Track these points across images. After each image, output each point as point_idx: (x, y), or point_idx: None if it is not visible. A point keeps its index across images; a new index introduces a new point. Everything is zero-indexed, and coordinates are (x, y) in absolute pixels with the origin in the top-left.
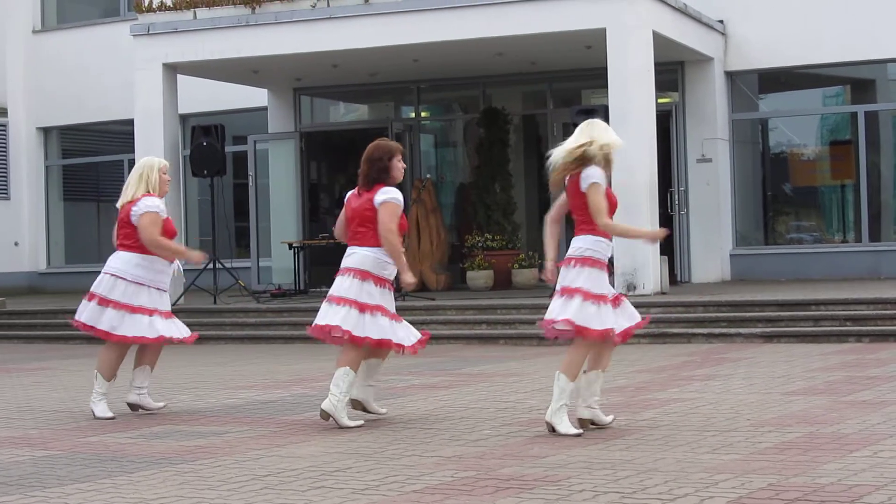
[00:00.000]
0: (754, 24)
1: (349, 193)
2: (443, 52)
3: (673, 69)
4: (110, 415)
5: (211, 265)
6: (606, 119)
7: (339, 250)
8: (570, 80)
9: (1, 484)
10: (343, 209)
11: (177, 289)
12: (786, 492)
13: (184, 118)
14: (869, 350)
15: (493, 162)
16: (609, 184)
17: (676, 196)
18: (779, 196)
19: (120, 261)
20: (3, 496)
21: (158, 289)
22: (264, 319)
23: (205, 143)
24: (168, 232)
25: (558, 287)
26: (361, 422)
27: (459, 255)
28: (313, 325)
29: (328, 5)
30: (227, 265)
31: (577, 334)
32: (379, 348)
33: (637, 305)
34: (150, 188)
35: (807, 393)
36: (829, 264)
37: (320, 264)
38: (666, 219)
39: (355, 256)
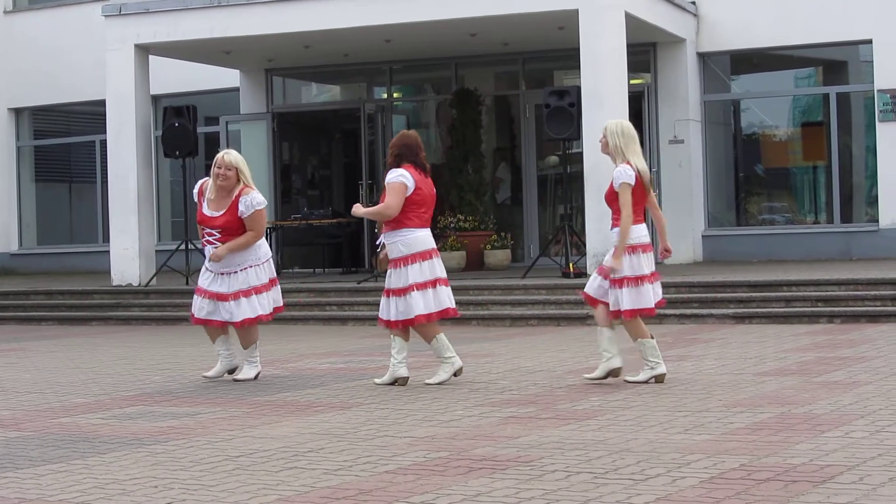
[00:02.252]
0: (726, 6)
1: (413, 177)
2: (415, 32)
3: (645, 50)
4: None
5: (183, 246)
6: (579, 100)
7: (311, 231)
8: (542, 61)
9: None
10: (408, 191)
11: (149, 270)
12: (758, 472)
13: (156, 99)
14: (840, 331)
15: (465, 143)
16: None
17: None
18: (751, 177)
19: None
20: None
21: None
22: None
23: (177, 124)
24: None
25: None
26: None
27: (432, 235)
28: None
29: None
30: (199, 246)
31: None
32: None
33: None
34: None
35: (778, 374)
36: (800, 245)
37: (293, 245)
38: None
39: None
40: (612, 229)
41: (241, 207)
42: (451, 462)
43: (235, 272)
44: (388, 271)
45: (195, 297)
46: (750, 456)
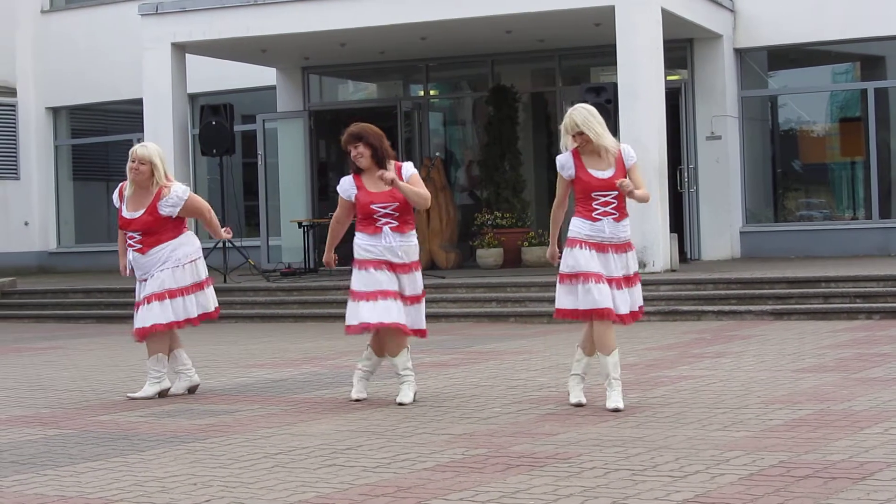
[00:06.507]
0: (763, 1)
1: None
2: (451, 29)
3: (682, 46)
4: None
5: (221, 244)
6: (615, 97)
7: (348, 229)
8: (579, 57)
9: (13, 463)
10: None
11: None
12: (797, 469)
13: (193, 97)
14: (879, 327)
15: (502, 140)
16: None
17: (686, 174)
18: (789, 173)
19: None
20: (15, 475)
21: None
22: (274, 298)
23: (214, 123)
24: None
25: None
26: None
27: (469, 233)
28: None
29: None
30: (237, 244)
31: None
32: None
33: (646, 283)
34: None
35: (817, 370)
36: (839, 241)
37: None
38: (676, 196)
39: None
40: (619, 222)
41: (164, 211)
42: (489, 459)
43: (153, 275)
44: (400, 276)
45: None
46: (789, 453)
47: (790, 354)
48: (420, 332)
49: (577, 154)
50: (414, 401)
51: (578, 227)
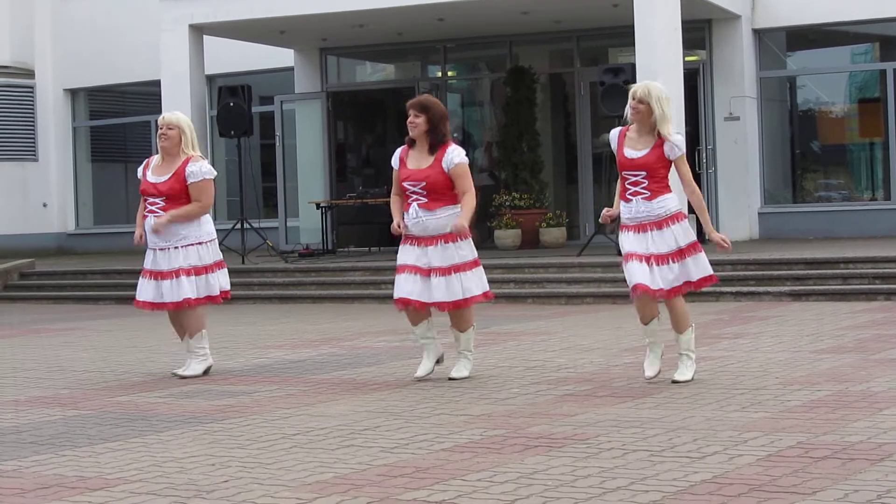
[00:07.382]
0: None
1: None
2: (469, 10)
3: (700, 27)
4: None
5: (239, 225)
6: (633, 78)
7: (366, 210)
8: (596, 38)
9: (32, 443)
10: None
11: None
12: (815, 450)
13: (210, 79)
14: None
15: (519, 121)
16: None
17: (704, 154)
18: (807, 154)
19: None
20: (34, 455)
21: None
22: (292, 279)
23: (231, 104)
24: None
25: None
26: None
27: (487, 213)
28: None
29: None
30: (255, 225)
31: None
32: None
33: None
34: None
35: (836, 351)
36: (857, 222)
37: (348, 224)
38: (694, 177)
39: None
40: (652, 200)
41: (188, 175)
42: (507, 440)
43: (176, 248)
44: (440, 245)
45: (139, 279)
46: (807, 434)
47: (808, 335)
48: (463, 302)
49: (623, 133)
50: (468, 376)
51: (621, 209)
